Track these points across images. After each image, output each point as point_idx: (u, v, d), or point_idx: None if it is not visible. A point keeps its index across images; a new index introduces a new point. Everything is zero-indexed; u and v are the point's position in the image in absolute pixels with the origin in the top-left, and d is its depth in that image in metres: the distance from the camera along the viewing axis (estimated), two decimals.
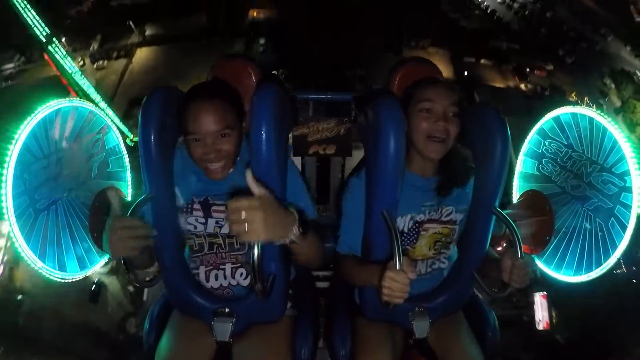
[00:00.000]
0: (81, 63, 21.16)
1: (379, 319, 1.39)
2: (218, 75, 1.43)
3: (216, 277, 1.37)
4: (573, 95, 21.01)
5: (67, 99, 1.38)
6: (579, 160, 1.46)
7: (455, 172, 1.32)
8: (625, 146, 1.30)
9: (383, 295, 1.05)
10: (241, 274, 1.36)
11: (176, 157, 1.30)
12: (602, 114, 1.37)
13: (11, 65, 20.37)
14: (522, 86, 23.03)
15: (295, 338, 1.38)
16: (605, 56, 24.56)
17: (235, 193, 0.93)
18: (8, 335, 10.38)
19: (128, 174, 1.65)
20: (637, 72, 22.97)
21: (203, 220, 1.32)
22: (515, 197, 1.67)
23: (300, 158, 1.98)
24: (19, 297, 11.90)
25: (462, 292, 1.42)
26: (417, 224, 1.32)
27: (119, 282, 13.09)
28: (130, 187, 1.65)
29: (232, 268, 1.36)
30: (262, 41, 24.14)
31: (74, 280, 1.39)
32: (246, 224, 0.90)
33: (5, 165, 1.16)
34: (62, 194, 1.37)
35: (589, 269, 1.40)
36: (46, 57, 15.31)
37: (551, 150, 1.57)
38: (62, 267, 1.34)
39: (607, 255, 1.35)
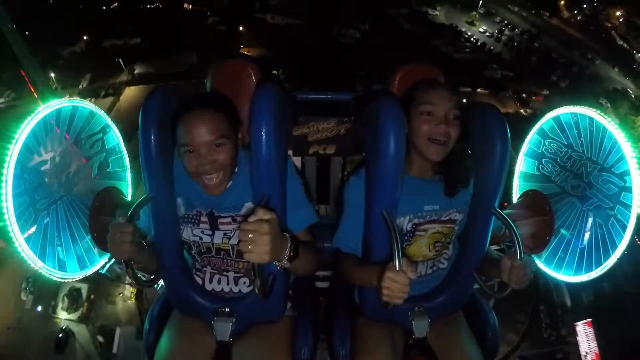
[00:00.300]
0: None
1: (379, 318, 1.38)
2: (218, 75, 1.43)
3: (219, 281, 1.36)
4: None
5: (67, 98, 1.39)
6: (579, 160, 1.46)
7: (456, 172, 1.32)
8: (625, 146, 1.30)
9: (383, 296, 1.05)
10: (244, 282, 1.36)
11: (176, 166, 1.28)
12: (601, 113, 1.37)
13: (1, 100, 20.57)
14: (522, 111, 23.69)
15: (295, 338, 1.38)
16: (596, 78, 25.84)
17: (249, 214, 0.98)
18: None
19: (128, 174, 1.65)
20: (629, 89, 24.51)
21: (210, 232, 1.30)
22: (515, 197, 1.67)
23: (300, 158, 1.98)
24: None
25: (462, 292, 1.42)
26: (414, 225, 1.32)
27: (88, 331, 12.53)
28: (130, 187, 1.65)
29: (234, 277, 1.36)
30: None
31: (74, 280, 1.39)
32: (251, 246, 0.96)
33: (5, 165, 1.16)
34: (62, 194, 1.37)
35: (589, 268, 1.40)
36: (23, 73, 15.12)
37: (551, 150, 1.57)
38: (62, 267, 1.35)
39: (607, 255, 1.36)
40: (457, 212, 1.34)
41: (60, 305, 13.21)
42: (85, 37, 25.74)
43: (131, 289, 13.51)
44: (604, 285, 11.96)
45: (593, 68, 27.01)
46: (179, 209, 1.30)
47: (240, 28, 27.54)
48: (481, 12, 31.04)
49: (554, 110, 1.56)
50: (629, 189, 1.30)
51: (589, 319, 10.44)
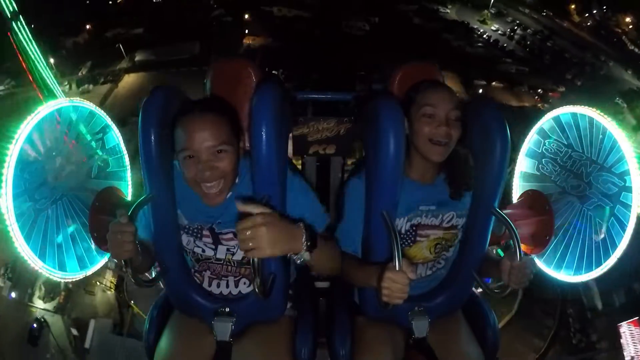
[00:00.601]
0: (67, 87, 21.28)
1: (379, 318, 1.38)
2: (217, 75, 1.43)
3: (218, 285, 1.36)
4: None
5: (67, 98, 1.39)
6: (578, 160, 1.46)
7: (458, 174, 1.31)
8: (625, 146, 1.30)
9: (382, 296, 1.05)
10: (244, 283, 1.36)
11: (176, 175, 1.25)
12: (602, 113, 1.37)
13: (1, 87, 20.50)
14: (540, 106, 23.37)
15: (295, 338, 1.38)
16: (610, 79, 25.52)
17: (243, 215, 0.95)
18: None
19: (128, 174, 1.65)
20: None
21: (213, 246, 1.29)
22: (515, 197, 1.67)
23: (300, 158, 1.98)
24: None
25: (461, 292, 1.42)
26: (414, 227, 1.32)
27: (63, 322, 11.90)
28: (130, 187, 1.65)
29: (234, 280, 1.36)
30: None
31: (74, 280, 1.39)
32: (251, 242, 0.93)
33: (5, 165, 1.16)
34: (63, 193, 1.37)
35: (589, 268, 1.40)
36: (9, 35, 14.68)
37: (551, 150, 1.58)
38: (62, 267, 1.35)
39: (607, 255, 1.36)
40: (457, 216, 1.34)
41: (37, 293, 12.65)
42: (88, 27, 25.55)
43: (111, 279, 12.97)
44: (635, 286, 11.08)
45: (607, 69, 26.86)
46: (181, 219, 1.29)
47: (246, 16, 27.22)
48: (492, 11, 30.86)
49: (554, 110, 1.56)
50: (629, 189, 1.30)
51: (636, 318, 9.25)
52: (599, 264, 1.37)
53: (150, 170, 1.21)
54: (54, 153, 1.33)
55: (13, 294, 12.30)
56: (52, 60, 19.62)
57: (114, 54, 24.07)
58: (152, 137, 1.17)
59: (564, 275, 1.48)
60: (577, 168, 1.46)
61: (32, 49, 15.16)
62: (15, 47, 14.97)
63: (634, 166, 1.28)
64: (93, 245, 1.44)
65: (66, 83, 21.43)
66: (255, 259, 1.00)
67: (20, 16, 14.76)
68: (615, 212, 1.34)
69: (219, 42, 24.34)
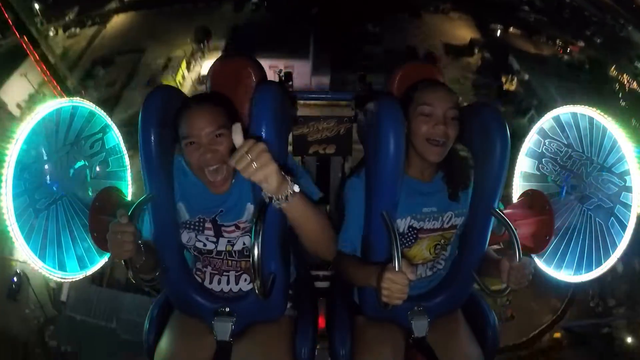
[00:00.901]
0: (53, 33, 20.43)
1: (379, 317, 1.39)
2: (217, 74, 1.43)
3: (219, 282, 1.37)
4: (613, 69, 20.48)
5: (67, 98, 1.39)
6: (579, 159, 1.46)
7: (456, 174, 1.32)
8: (625, 146, 1.30)
9: (382, 296, 1.05)
10: (245, 279, 1.36)
11: (176, 169, 1.28)
12: (602, 113, 1.37)
13: None
14: (560, 57, 22.40)
15: (295, 338, 1.38)
16: (630, 42, 24.19)
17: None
18: None
19: (128, 174, 1.65)
20: None
21: (214, 239, 1.31)
22: (515, 197, 1.67)
23: (300, 158, 1.98)
24: None
25: (461, 291, 1.42)
26: (416, 230, 1.32)
27: (43, 276, 11.53)
28: (130, 187, 1.65)
29: (235, 276, 1.36)
30: None
31: (74, 280, 1.40)
32: (254, 163, 0.94)
33: (5, 165, 1.16)
34: (62, 193, 1.37)
35: (589, 268, 1.40)
36: None
37: (551, 149, 1.58)
38: (62, 267, 1.35)
39: (607, 255, 1.36)
40: (456, 216, 1.34)
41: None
42: None
43: None
44: None
45: (626, 32, 25.21)
46: (182, 215, 1.30)
47: None
48: None
49: (554, 110, 1.55)
50: (629, 189, 1.30)
51: None
52: (599, 264, 1.37)
53: (150, 170, 1.21)
54: (53, 153, 1.33)
55: None
56: (37, 7, 19.22)
57: None
58: (152, 137, 1.17)
59: (564, 275, 1.48)
60: (577, 168, 1.46)
61: None
62: None
63: (634, 166, 1.28)
64: (93, 245, 1.44)
65: (53, 29, 20.65)
66: (255, 260, 1.00)
67: None
68: (615, 212, 1.34)
69: None
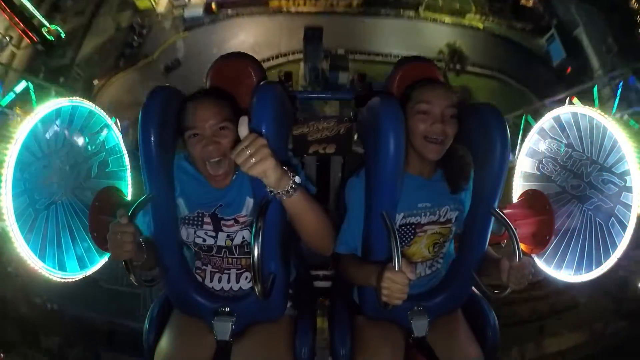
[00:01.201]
0: None
1: (379, 317, 1.39)
2: (217, 74, 1.43)
3: (219, 280, 1.37)
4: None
5: (67, 98, 1.38)
6: (579, 159, 1.46)
7: (456, 171, 1.32)
8: (626, 146, 1.29)
9: (382, 296, 1.05)
10: (246, 278, 1.36)
11: (176, 167, 1.29)
12: (602, 113, 1.37)
13: None
14: None
15: (295, 338, 1.38)
16: None
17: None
18: None
19: (128, 174, 1.65)
20: None
21: (213, 234, 1.31)
22: (515, 197, 1.67)
23: (300, 158, 1.98)
24: None
25: (461, 291, 1.43)
26: (413, 226, 1.32)
27: None
28: (130, 186, 1.65)
29: (236, 274, 1.36)
30: None
31: (74, 280, 1.39)
32: (253, 157, 0.96)
33: (5, 165, 1.16)
34: (62, 193, 1.37)
35: (589, 268, 1.40)
36: None
37: (551, 149, 1.57)
38: (62, 267, 1.35)
39: (607, 255, 1.35)
40: (451, 210, 1.35)
41: None
42: None
43: None
44: None
45: None
46: (181, 211, 1.30)
47: None
48: None
49: (554, 110, 1.55)
50: (629, 189, 1.30)
51: None
52: (599, 264, 1.37)
53: (150, 170, 1.21)
54: (53, 153, 1.33)
55: None
56: None
57: None
58: (152, 137, 1.17)
59: (564, 275, 1.48)
60: (578, 168, 1.46)
61: None
62: None
63: (635, 166, 1.28)
64: (93, 245, 1.44)
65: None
66: (255, 260, 1.00)
67: None
68: (616, 212, 1.34)
69: None
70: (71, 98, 1.40)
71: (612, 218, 1.35)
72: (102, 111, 1.53)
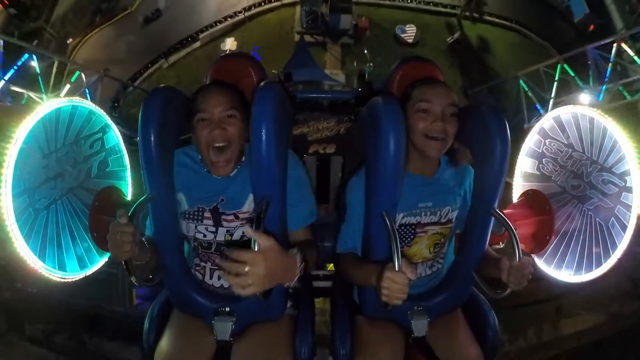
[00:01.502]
0: None
1: (379, 317, 1.39)
2: (217, 74, 1.43)
3: (219, 277, 1.37)
4: None
5: (67, 98, 1.38)
6: (579, 160, 1.46)
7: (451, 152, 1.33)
8: (626, 146, 1.29)
9: (382, 296, 1.05)
10: None
11: (176, 164, 1.29)
12: (602, 113, 1.37)
13: None
14: None
15: (295, 337, 1.38)
16: None
17: (239, 244, 0.95)
18: None
19: (128, 174, 1.65)
20: None
21: (213, 229, 1.31)
22: (515, 197, 1.67)
23: (300, 157, 1.98)
24: None
25: (461, 291, 1.43)
26: (413, 226, 1.32)
27: None
28: (130, 186, 1.65)
29: None
30: None
31: (74, 280, 1.39)
32: (247, 279, 0.93)
33: (5, 165, 1.16)
34: (62, 193, 1.37)
35: (589, 268, 1.40)
36: None
37: (551, 149, 1.57)
38: (62, 267, 1.35)
39: (607, 255, 1.35)
40: (452, 210, 1.35)
41: None
42: None
43: None
44: None
45: None
46: (181, 205, 1.31)
47: None
48: None
49: (555, 110, 1.55)
50: (629, 189, 1.30)
51: None
52: (599, 264, 1.37)
53: (150, 170, 1.21)
54: (53, 153, 1.33)
55: None
56: None
57: None
58: (152, 137, 1.17)
59: (564, 275, 1.48)
60: (578, 168, 1.46)
61: None
62: None
63: (635, 166, 1.28)
64: (93, 245, 1.44)
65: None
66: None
67: None
68: (616, 212, 1.34)
69: None
70: (71, 98, 1.40)
71: (612, 218, 1.35)
72: (102, 111, 1.53)
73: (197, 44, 12.51)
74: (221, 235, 1.31)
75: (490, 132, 1.23)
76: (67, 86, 6.85)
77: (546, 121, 1.59)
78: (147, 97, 1.20)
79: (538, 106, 7.73)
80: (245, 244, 0.97)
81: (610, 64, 6.47)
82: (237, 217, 1.30)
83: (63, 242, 1.35)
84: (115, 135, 1.60)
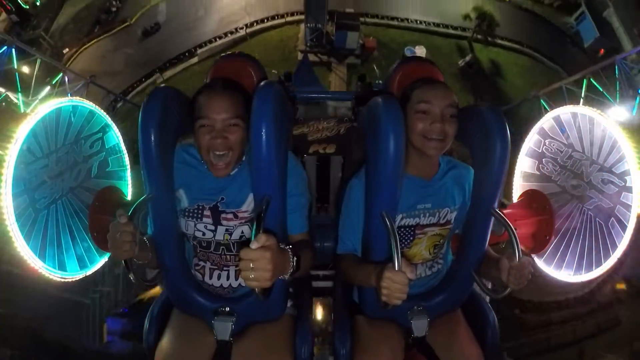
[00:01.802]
0: None
1: (379, 317, 1.39)
2: (217, 74, 1.43)
3: (219, 277, 1.37)
4: None
5: (67, 98, 1.38)
6: (579, 159, 1.46)
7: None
8: (626, 146, 1.29)
9: (382, 296, 1.05)
10: None
11: (177, 161, 1.30)
12: (602, 113, 1.37)
13: None
14: None
15: (295, 337, 1.38)
16: None
17: (246, 243, 0.98)
18: None
19: (128, 174, 1.65)
20: None
21: (213, 227, 1.31)
22: (515, 197, 1.67)
23: (300, 158, 1.98)
24: None
25: (461, 291, 1.43)
26: (412, 227, 1.32)
27: None
28: (130, 186, 1.65)
29: (235, 270, 1.36)
30: None
31: (74, 280, 1.40)
32: (254, 274, 0.95)
33: (5, 165, 1.16)
34: (62, 193, 1.37)
35: (589, 268, 1.40)
36: None
37: (551, 149, 1.57)
38: (62, 267, 1.35)
39: (607, 255, 1.36)
40: (451, 211, 1.35)
41: None
42: None
43: None
44: None
45: None
46: (181, 202, 1.30)
47: None
48: None
49: (555, 110, 1.55)
50: (629, 189, 1.30)
51: None
52: (599, 264, 1.37)
53: (150, 170, 1.21)
54: (53, 153, 1.33)
55: None
56: None
57: None
58: (152, 137, 1.17)
59: (564, 275, 1.48)
60: (578, 168, 1.46)
61: None
62: None
63: (635, 166, 1.28)
64: (93, 245, 1.44)
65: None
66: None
67: None
68: (616, 212, 1.34)
69: None
70: (71, 98, 1.40)
71: (612, 218, 1.35)
72: (102, 111, 1.53)
73: (195, 60, 12.37)
74: (220, 234, 1.31)
75: (490, 133, 1.22)
76: (47, 88, 6.67)
77: (546, 121, 1.59)
78: (147, 98, 1.20)
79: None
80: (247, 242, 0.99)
81: None
82: (236, 216, 1.30)
83: (63, 242, 1.35)
84: (115, 135, 1.60)
